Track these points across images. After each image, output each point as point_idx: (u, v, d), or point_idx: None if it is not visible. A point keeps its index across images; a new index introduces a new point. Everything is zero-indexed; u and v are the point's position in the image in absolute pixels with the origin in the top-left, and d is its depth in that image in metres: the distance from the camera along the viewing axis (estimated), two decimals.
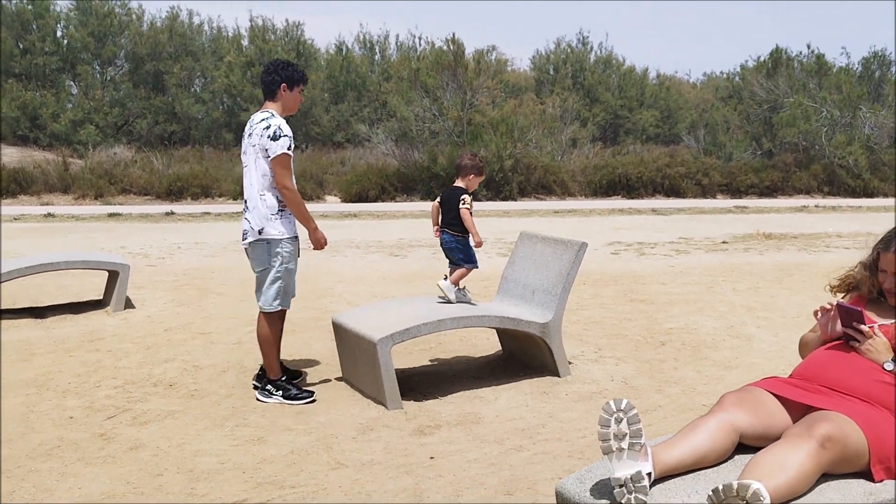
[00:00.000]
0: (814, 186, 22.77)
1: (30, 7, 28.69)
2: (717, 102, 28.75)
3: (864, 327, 2.57)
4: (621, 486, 2.17)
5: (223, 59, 29.67)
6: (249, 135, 4.36)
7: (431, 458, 3.67)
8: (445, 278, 4.91)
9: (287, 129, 4.30)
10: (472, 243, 4.94)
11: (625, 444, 2.20)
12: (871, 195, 22.60)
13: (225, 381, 4.82)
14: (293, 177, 4.38)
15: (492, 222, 14.28)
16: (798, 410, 2.51)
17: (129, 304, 6.92)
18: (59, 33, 29.65)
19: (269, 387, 4.46)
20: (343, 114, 30.17)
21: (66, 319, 6.50)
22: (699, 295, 7.50)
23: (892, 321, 2.61)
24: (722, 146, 24.39)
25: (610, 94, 31.88)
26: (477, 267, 4.98)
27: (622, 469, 2.19)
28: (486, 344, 5.71)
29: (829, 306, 2.69)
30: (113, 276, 6.85)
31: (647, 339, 5.88)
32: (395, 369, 4.39)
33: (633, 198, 21.45)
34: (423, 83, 21.84)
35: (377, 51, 34.27)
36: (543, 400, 4.51)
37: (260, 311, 4.46)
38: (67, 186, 20.16)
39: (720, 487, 2.04)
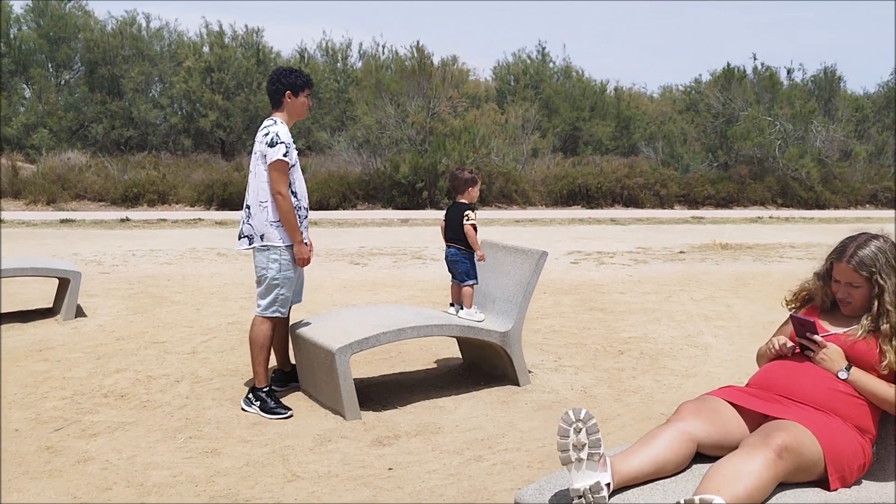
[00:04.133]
0: (768, 198, 23.24)
1: None
2: (675, 115, 29.21)
3: (817, 337, 2.59)
4: (580, 496, 2.16)
5: (181, 63, 29.26)
6: (255, 143, 4.42)
7: (390, 469, 3.62)
8: (452, 305, 4.96)
9: (285, 137, 4.33)
10: (474, 256, 4.93)
11: (584, 455, 2.19)
12: (822, 207, 23.16)
13: (178, 392, 4.71)
14: (290, 185, 4.37)
15: None
16: (755, 419, 2.52)
17: (80, 313, 6.74)
18: (11, 35, 28.97)
19: (250, 395, 4.42)
20: (304, 121, 29.97)
21: (14, 328, 6.30)
22: (657, 304, 7.57)
23: (843, 330, 2.65)
24: (679, 158, 24.78)
25: (569, 105, 32.19)
26: (477, 283, 4.96)
27: (581, 480, 2.17)
28: (447, 353, 5.68)
29: (785, 341, 2.74)
30: (63, 284, 6.66)
31: (606, 347, 5.91)
32: (354, 379, 4.34)
33: (592, 208, 21.66)
34: (388, 90, 21.83)
35: (339, 58, 34.12)
36: (503, 409, 4.49)
37: (254, 315, 4.48)
38: (18, 192, 19.66)
39: (682, 502, 2.03)
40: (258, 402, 4.37)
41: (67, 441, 3.91)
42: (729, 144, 24.50)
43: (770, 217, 19.47)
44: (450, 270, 4.99)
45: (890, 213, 22.41)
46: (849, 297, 2.67)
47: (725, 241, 13.10)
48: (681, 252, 11.67)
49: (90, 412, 4.34)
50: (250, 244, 4.44)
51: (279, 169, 4.29)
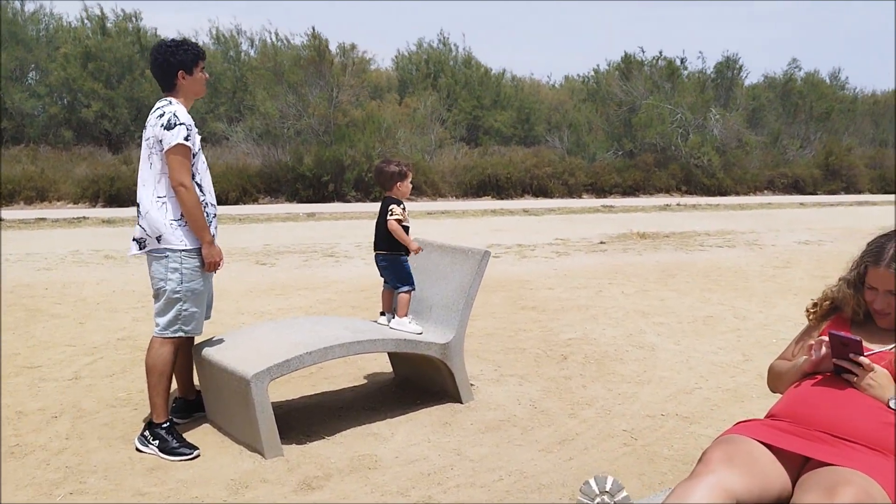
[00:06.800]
0: (672, 185, 23.58)
1: None
2: (578, 104, 29.30)
3: (863, 359, 2.13)
4: None
5: (59, 49, 27.12)
6: (145, 128, 3.66)
7: None
8: (383, 314, 4.35)
9: (185, 118, 3.60)
10: (405, 259, 4.28)
11: None
12: (724, 193, 23.68)
13: (56, 432, 3.90)
14: (193, 176, 3.64)
15: (364, 225, 13.58)
16: (794, 462, 2.05)
17: None
18: None
19: (146, 432, 3.67)
20: (197, 111, 28.37)
21: None
22: (590, 300, 7.18)
23: (891, 347, 2.20)
24: (585, 147, 24.82)
25: (469, 94, 31.80)
26: (414, 289, 4.31)
27: None
28: (374, 366, 5.06)
29: (821, 343, 2.24)
30: None
31: (547, 352, 5.43)
32: (272, 404, 3.67)
33: (502, 198, 21.36)
34: (288, 79, 20.81)
35: (231, 46, 32.53)
36: (446, 432, 3.92)
37: (152, 336, 3.72)
38: None
39: None
40: (156, 441, 3.63)
41: None
42: (633, 133, 24.70)
43: (678, 204, 19.65)
44: (382, 276, 4.38)
45: (788, 198, 23.17)
46: (888, 307, 2.22)
47: (642, 230, 12.95)
48: (601, 242, 11.39)
49: None
50: (141, 248, 3.67)
51: (181, 154, 3.55)
